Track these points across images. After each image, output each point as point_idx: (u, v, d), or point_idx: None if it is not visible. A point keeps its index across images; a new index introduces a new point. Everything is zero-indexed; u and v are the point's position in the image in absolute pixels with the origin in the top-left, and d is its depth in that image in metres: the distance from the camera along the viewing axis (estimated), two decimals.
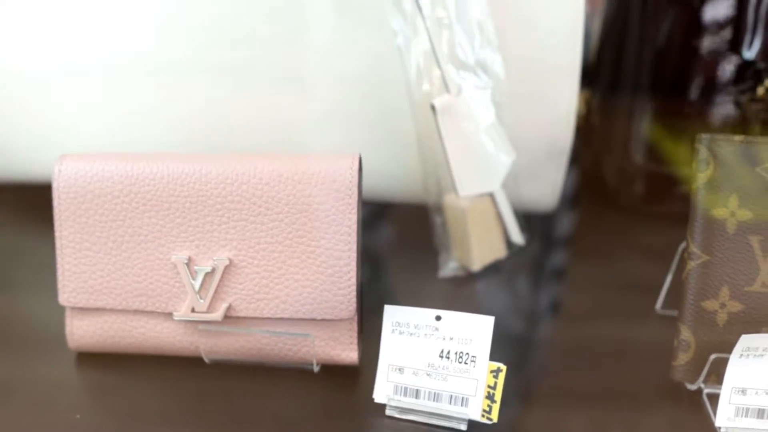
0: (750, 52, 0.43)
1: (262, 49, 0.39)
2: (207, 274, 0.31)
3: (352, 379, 0.33)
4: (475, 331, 0.30)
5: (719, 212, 0.32)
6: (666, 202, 0.47)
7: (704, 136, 0.33)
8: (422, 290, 0.40)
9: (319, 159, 0.31)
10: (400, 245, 0.42)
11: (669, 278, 0.37)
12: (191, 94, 0.41)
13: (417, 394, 0.31)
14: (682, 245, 0.34)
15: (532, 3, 0.39)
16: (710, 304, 0.32)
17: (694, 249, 0.32)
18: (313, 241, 0.31)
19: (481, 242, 0.40)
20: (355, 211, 0.31)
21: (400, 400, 0.31)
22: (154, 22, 0.40)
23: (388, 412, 0.31)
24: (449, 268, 0.40)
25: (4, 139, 0.44)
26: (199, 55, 0.40)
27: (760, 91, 0.44)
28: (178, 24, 0.39)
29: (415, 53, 0.36)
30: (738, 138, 0.32)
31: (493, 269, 0.41)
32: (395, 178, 0.42)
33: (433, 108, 0.36)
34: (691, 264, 0.33)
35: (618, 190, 0.48)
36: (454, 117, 0.36)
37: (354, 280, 0.31)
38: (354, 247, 0.31)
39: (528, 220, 0.43)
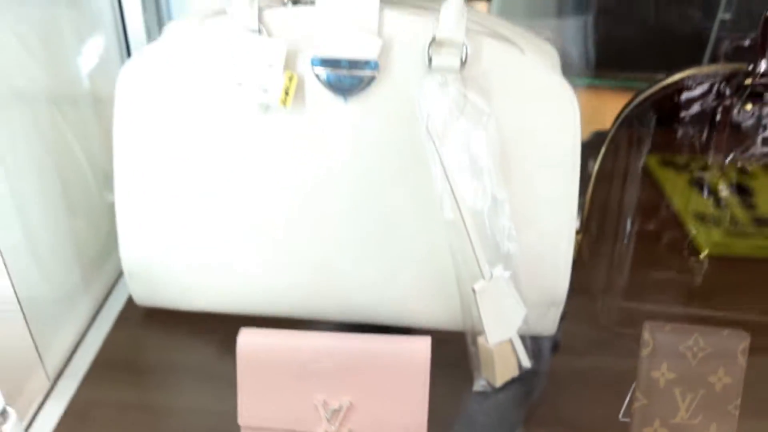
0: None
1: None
2: (335, 410, 0.50)
3: None
4: None
5: (654, 374, 0.51)
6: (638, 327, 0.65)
7: (647, 324, 0.51)
8: (462, 399, 0.59)
9: (403, 341, 0.50)
10: (446, 365, 0.61)
11: (628, 398, 0.56)
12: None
13: None
14: (634, 385, 0.53)
15: (536, 211, 0.57)
16: (648, 430, 0.51)
17: (638, 395, 0.51)
18: (400, 395, 0.50)
19: (502, 367, 0.59)
20: (427, 378, 0.50)
21: None
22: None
23: None
24: (479, 384, 0.59)
25: (172, 272, 0.62)
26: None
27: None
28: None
29: (462, 255, 0.55)
30: (667, 327, 0.51)
31: (509, 383, 0.60)
32: (446, 316, 0.61)
33: (473, 291, 0.55)
34: (636, 404, 0.51)
35: (602, 314, 0.67)
36: (488, 294, 0.55)
37: (425, 417, 0.50)
38: (426, 398, 0.50)
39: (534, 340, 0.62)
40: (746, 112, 0.59)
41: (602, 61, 0.82)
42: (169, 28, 0.59)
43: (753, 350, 0.50)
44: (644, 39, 0.80)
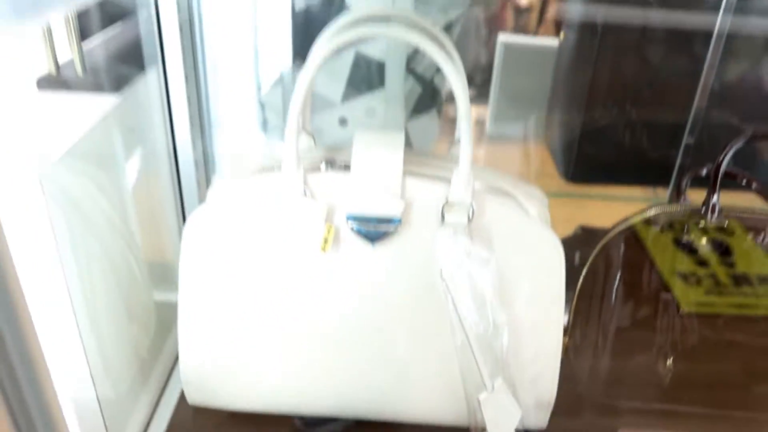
0: None
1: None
2: None
3: None
4: None
5: None
6: (621, 417, 0.76)
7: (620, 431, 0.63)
8: None
9: None
10: None
11: None
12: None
13: None
14: None
15: (529, 333, 0.69)
16: None
17: None
18: None
19: None
20: None
21: None
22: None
23: None
24: None
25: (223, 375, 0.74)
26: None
27: None
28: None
29: (469, 370, 0.67)
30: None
31: None
32: (455, 416, 0.73)
33: (478, 401, 0.67)
34: None
35: (586, 403, 0.79)
36: (490, 403, 0.67)
37: None
38: None
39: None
40: (703, 245, 0.72)
41: (584, 175, 0.95)
42: (217, 185, 0.71)
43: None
44: (621, 158, 0.93)
